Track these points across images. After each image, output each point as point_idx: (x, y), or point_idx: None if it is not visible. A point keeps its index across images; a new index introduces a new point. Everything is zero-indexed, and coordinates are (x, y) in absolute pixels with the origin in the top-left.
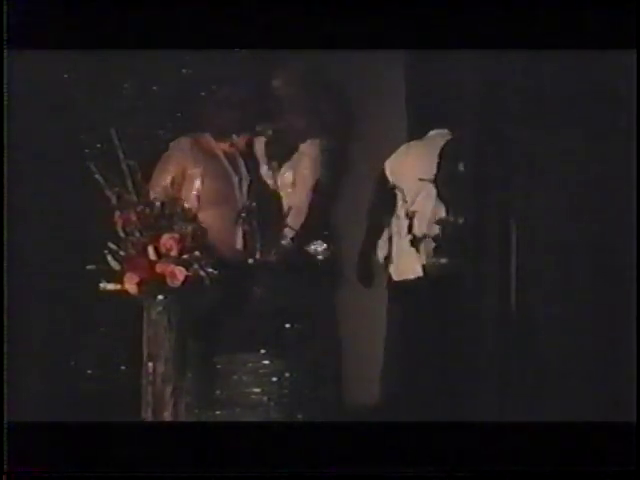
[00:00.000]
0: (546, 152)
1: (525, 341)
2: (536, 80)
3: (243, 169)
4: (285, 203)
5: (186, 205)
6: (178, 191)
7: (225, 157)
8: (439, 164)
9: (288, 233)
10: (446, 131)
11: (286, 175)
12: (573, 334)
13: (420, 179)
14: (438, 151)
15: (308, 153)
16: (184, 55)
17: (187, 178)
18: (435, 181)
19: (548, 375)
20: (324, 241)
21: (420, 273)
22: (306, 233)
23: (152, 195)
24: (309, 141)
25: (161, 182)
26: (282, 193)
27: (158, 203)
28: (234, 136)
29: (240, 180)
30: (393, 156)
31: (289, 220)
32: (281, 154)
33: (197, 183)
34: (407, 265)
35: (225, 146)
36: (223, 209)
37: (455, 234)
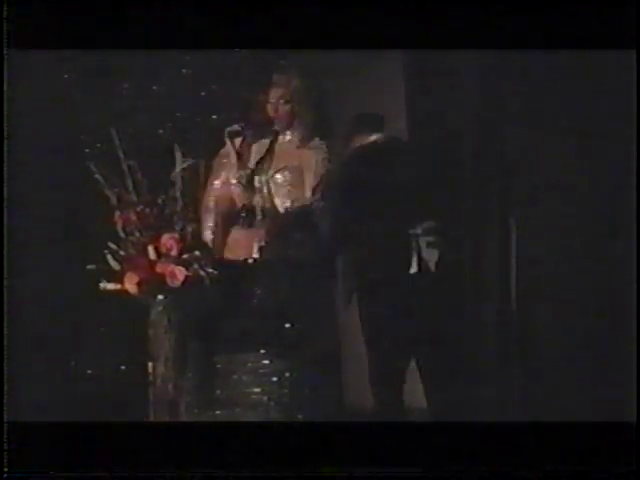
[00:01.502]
0: (546, 152)
1: (525, 341)
2: (536, 80)
3: (243, 170)
4: (287, 205)
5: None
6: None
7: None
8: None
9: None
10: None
11: (287, 177)
12: (573, 334)
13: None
14: None
15: (310, 154)
16: (184, 55)
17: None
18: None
19: (548, 375)
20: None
21: (415, 269)
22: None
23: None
24: (310, 142)
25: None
26: (283, 195)
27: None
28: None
29: (241, 181)
30: None
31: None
32: (280, 155)
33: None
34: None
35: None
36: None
37: (455, 234)
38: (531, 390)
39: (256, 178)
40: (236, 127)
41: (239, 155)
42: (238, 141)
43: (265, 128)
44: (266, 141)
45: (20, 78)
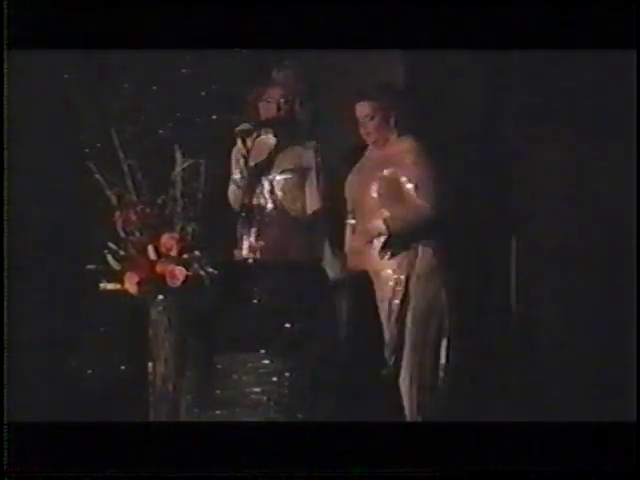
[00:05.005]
0: (546, 152)
1: (525, 341)
2: (536, 80)
3: (244, 169)
4: (289, 205)
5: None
6: None
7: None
8: None
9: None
10: None
11: (288, 177)
12: (573, 334)
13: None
14: None
15: (310, 155)
16: (184, 55)
17: None
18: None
19: (548, 375)
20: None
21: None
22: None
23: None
24: (311, 144)
25: None
26: (282, 196)
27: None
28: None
29: (242, 180)
30: None
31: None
32: (281, 155)
33: None
34: None
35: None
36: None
37: (456, 235)
38: (531, 390)
39: (257, 179)
40: (247, 126)
41: (248, 154)
42: (248, 140)
43: (267, 128)
44: (265, 141)
45: (20, 78)
